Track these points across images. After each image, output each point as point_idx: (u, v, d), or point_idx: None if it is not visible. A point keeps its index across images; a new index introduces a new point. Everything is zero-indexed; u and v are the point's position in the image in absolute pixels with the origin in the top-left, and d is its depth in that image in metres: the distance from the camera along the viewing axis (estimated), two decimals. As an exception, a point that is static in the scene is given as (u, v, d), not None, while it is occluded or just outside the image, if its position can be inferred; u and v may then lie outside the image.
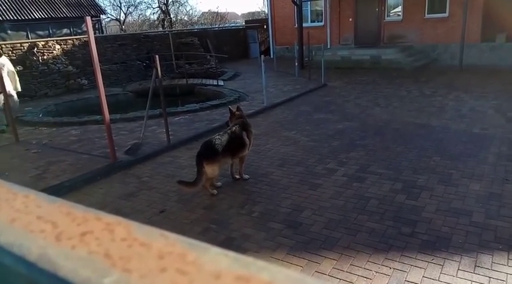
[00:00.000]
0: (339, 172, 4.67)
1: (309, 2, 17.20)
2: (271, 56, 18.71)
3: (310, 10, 17.76)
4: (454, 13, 13.46)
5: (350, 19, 16.20)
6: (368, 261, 2.90)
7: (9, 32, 14.31)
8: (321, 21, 17.45)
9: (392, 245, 3.08)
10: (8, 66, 7.49)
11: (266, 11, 22.25)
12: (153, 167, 5.31)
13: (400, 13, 15.18)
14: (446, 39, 13.79)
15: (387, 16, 15.48)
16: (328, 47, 16.50)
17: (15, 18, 14.41)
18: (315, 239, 3.23)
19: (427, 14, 14.40)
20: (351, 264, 2.87)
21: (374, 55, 14.14)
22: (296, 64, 13.01)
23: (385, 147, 5.54)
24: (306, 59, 13.80)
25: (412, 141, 5.70)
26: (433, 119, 6.88)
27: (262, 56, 8.95)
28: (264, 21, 21.50)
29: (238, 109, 4.76)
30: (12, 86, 7.51)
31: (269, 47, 19.91)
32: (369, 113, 7.65)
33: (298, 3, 14.28)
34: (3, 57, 7.55)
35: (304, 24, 14.98)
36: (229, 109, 4.78)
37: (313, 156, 5.32)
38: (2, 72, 7.07)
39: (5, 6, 14.46)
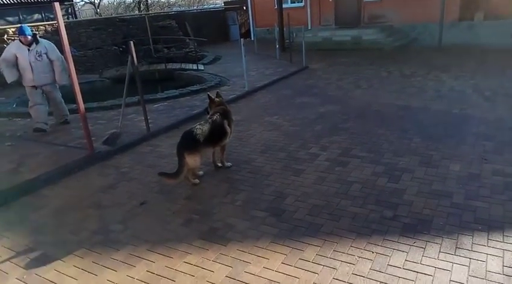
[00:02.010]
0: (322, 157, 4.65)
1: (288, -17, 16.90)
2: (252, 38, 18.44)
3: (287, -10, 17.45)
4: (433, -8, 13.44)
5: (330, -1, 16.02)
6: (351, 246, 2.91)
7: (-24, 18, 13.63)
8: (301, 2, 17.21)
9: (374, 229, 3.10)
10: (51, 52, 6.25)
11: (245, -8, 21.71)
12: (133, 157, 5.18)
13: (380, -8, 15.06)
14: (426, 18, 13.80)
15: (367, -4, 15.35)
16: (309, 28, 16.35)
17: (-18, 3, 13.71)
18: (298, 226, 3.22)
19: (407, -7, 14.34)
20: (334, 250, 2.88)
21: (355, 36, 14.08)
22: (277, 46, 12.84)
23: (366, 130, 5.54)
24: (287, 41, 13.64)
25: (393, 123, 5.72)
26: (413, 100, 6.91)
27: (242, 39, 8.78)
28: (244, 2, 21.06)
29: (218, 95, 4.65)
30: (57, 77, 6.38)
31: (249, 29, 19.59)
32: (350, 95, 7.64)
33: (277, -17, 13.98)
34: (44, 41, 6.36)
35: (284, 5, 14.75)
36: (209, 96, 4.66)
37: (296, 141, 5.28)
38: (40, 59, 6.08)
39: (-31, -10, 13.75)
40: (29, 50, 6.05)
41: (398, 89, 7.79)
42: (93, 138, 5.27)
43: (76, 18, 19.08)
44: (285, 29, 13.87)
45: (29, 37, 6.04)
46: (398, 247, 2.85)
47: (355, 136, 5.31)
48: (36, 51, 6.09)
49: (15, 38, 11.66)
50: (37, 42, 6.15)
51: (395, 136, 5.16)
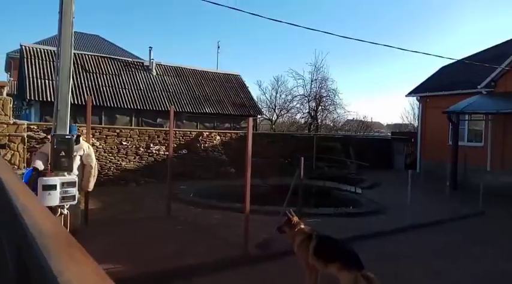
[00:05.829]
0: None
1: (466, 121, 16.12)
2: (417, 170, 17.61)
3: (468, 129, 16.53)
4: None
5: (517, 142, 14.36)
6: None
7: (184, 121, 17.27)
8: (480, 142, 15.94)
9: None
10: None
11: (416, 124, 21.65)
12: (280, 265, 5.16)
13: None
14: None
15: None
16: (488, 169, 14.70)
17: (191, 111, 17.41)
18: None
19: None
20: None
21: (550, 186, 11.88)
22: (447, 183, 11.83)
23: None
24: (460, 179, 12.47)
25: None
26: None
27: (410, 170, 8.46)
28: (412, 134, 20.88)
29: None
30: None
31: (415, 160, 18.89)
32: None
33: (455, 121, 13.52)
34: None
35: (459, 143, 13.91)
36: (287, 215, 4.53)
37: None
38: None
39: (185, 101, 17.77)
40: None
41: None
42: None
43: (256, 130, 22.15)
44: (458, 166, 12.84)
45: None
46: None
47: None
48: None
49: (207, 140, 14.11)
50: (78, 142, 5.70)
51: None
